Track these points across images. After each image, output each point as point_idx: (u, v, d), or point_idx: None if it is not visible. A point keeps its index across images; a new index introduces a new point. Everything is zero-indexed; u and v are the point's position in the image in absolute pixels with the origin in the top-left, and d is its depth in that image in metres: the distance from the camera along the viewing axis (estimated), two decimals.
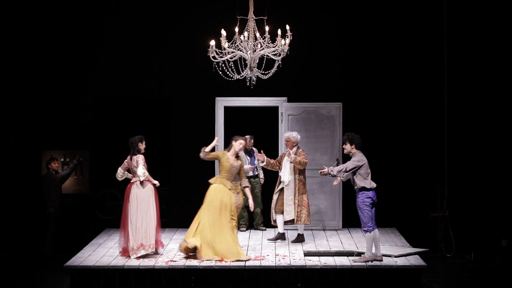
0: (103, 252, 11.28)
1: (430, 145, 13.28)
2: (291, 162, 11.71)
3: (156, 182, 11.07)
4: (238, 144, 11.01)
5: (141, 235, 10.82)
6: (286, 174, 11.78)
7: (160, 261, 10.56)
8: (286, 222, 11.87)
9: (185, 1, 13.39)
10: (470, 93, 13.08)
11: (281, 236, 12.10)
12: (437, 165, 13.20)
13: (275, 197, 11.95)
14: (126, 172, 11.17)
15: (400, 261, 10.56)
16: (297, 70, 13.15)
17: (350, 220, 13.07)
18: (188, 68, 13.39)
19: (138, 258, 10.73)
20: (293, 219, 11.78)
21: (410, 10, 13.25)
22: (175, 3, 13.39)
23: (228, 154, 11.01)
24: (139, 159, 10.99)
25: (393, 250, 11.10)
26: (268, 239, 12.20)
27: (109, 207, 13.54)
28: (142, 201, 10.91)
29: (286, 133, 12.08)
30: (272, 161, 11.99)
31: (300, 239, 11.95)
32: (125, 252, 10.92)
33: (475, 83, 13.06)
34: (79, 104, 13.52)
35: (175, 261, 10.58)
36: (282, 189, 11.85)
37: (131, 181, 11.08)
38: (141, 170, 10.91)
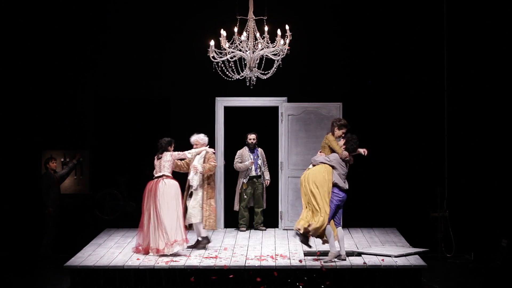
0: (103, 252, 11.28)
1: (430, 145, 13.28)
2: (201, 173, 11.42)
3: (206, 148, 11.50)
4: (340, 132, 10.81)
5: (174, 231, 10.92)
6: (195, 178, 11.46)
7: (160, 261, 10.56)
8: (190, 226, 11.54)
9: (185, 2, 13.39)
10: (470, 93, 13.09)
11: (204, 239, 11.56)
12: (437, 165, 13.20)
13: (187, 203, 11.54)
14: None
15: (400, 261, 10.56)
16: (297, 70, 13.15)
17: (350, 220, 13.08)
18: (188, 68, 13.39)
19: (172, 254, 10.84)
20: (198, 223, 11.42)
21: (410, 10, 13.25)
22: (175, 4, 13.39)
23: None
24: (175, 153, 11.35)
25: (393, 250, 11.10)
26: (189, 247, 11.47)
27: (109, 207, 13.54)
28: (173, 198, 11.05)
29: (193, 136, 11.66)
30: (180, 163, 11.53)
31: (198, 244, 11.51)
32: (147, 250, 10.99)
33: (475, 83, 13.06)
34: (79, 104, 13.52)
35: (175, 261, 10.58)
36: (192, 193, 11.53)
37: (156, 178, 11.17)
38: (188, 155, 11.43)
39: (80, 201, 13.50)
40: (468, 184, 12.99)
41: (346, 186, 10.60)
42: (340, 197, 10.57)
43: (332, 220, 10.60)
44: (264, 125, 13.70)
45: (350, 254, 10.94)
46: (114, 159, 13.45)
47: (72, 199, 13.43)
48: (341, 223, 10.73)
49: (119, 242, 12.04)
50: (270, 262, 10.52)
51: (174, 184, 11.18)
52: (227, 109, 13.55)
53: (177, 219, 11.02)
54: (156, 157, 11.32)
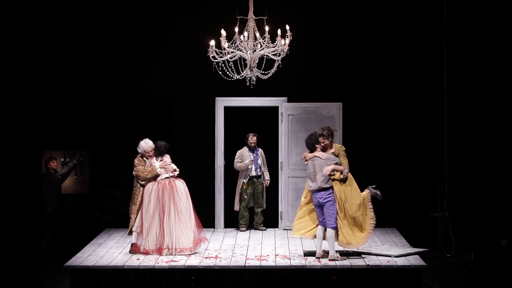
0: (103, 252, 11.28)
1: (430, 145, 13.28)
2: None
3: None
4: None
5: (195, 232, 11.09)
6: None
7: (160, 261, 10.56)
8: None
9: (185, 1, 13.39)
10: (470, 93, 13.08)
11: None
12: (437, 165, 13.21)
13: None
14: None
15: (400, 261, 10.56)
16: (297, 70, 13.16)
17: None
18: (188, 68, 13.39)
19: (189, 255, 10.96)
20: None
21: (410, 10, 13.25)
22: (175, 3, 13.39)
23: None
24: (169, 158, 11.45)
25: (393, 250, 11.10)
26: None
27: (109, 207, 13.54)
28: (189, 197, 11.23)
29: (144, 145, 11.27)
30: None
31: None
32: (160, 251, 10.96)
33: (475, 83, 13.06)
34: (79, 104, 13.52)
35: (175, 261, 10.58)
36: None
37: (171, 177, 11.21)
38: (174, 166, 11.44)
39: (80, 201, 13.50)
40: (468, 184, 12.98)
41: (309, 186, 10.72)
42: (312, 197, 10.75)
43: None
44: (264, 125, 13.70)
45: (350, 254, 10.94)
46: (114, 159, 13.45)
47: (72, 199, 13.43)
48: (328, 223, 10.61)
49: (119, 242, 12.04)
50: (270, 262, 10.52)
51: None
52: (227, 109, 13.54)
53: (194, 219, 11.18)
54: (155, 159, 11.30)
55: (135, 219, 11.15)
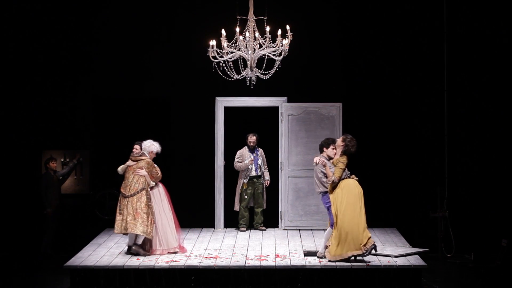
0: (103, 252, 11.28)
1: (430, 145, 13.28)
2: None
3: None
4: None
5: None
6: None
7: (160, 261, 10.56)
8: None
9: (185, 1, 13.39)
10: (470, 93, 13.09)
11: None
12: (437, 165, 13.21)
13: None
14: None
15: (400, 261, 10.57)
16: (297, 70, 13.16)
17: None
18: (188, 68, 13.39)
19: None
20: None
21: (410, 10, 13.25)
22: (175, 3, 13.39)
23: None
24: None
25: (393, 250, 11.10)
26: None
27: (109, 207, 13.53)
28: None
29: (158, 146, 11.30)
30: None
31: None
32: (183, 248, 11.23)
33: (475, 83, 13.06)
34: (79, 104, 13.52)
35: (175, 261, 10.58)
36: None
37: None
38: None
39: (80, 201, 13.50)
40: (468, 184, 12.99)
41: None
42: None
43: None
44: (264, 125, 13.70)
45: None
46: (114, 159, 13.42)
47: (72, 199, 13.43)
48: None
49: (119, 242, 12.04)
50: (270, 262, 10.52)
51: None
52: (227, 109, 13.54)
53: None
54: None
55: (152, 220, 11.02)
